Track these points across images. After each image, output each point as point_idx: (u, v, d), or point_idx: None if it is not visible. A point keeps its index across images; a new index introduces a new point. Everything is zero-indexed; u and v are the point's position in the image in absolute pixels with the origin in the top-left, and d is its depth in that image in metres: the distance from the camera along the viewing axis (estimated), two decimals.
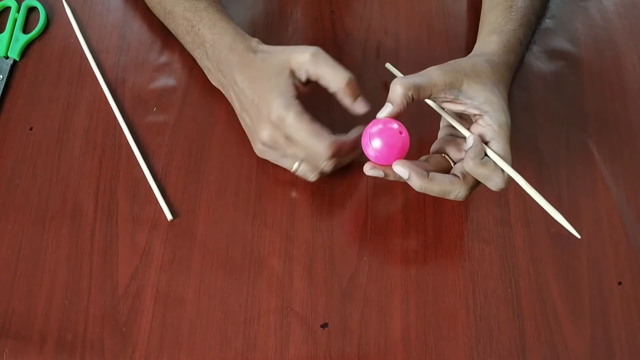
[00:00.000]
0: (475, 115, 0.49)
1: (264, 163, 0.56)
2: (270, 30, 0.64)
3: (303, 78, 0.51)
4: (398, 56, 0.63)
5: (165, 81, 0.61)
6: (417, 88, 0.47)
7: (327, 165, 0.51)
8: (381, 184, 0.56)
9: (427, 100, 0.51)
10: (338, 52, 0.62)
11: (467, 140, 0.48)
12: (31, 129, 0.58)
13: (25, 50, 0.62)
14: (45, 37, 0.63)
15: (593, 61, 0.63)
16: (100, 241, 0.53)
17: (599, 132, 0.59)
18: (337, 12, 0.65)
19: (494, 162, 0.47)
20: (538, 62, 0.62)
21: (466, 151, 0.47)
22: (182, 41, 0.59)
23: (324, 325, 0.50)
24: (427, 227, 0.54)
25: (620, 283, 0.52)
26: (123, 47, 0.62)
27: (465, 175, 0.48)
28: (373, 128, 0.48)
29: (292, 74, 0.51)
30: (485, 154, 0.47)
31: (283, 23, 0.64)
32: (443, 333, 0.50)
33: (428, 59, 0.62)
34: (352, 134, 0.51)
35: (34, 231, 0.53)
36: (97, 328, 0.50)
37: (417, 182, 0.47)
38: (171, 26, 0.59)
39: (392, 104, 0.48)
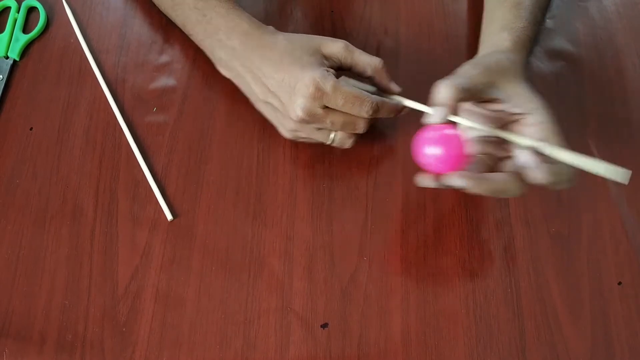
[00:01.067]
0: (516, 114, 0.47)
1: (264, 163, 0.56)
2: None
3: (334, 65, 0.53)
4: (398, 56, 0.63)
5: (165, 81, 0.61)
6: (463, 89, 0.45)
7: (362, 127, 0.52)
8: (381, 183, 0.56)
9: (454, 118, 0.47)
10: None
11: (519, 156, 0.46)
12: (31, 129, 0.58)
13: (25, 50, 0.62)
14: (45, 37, 0.63)
15: (593, 61, 0.63)
16: (100, 241, 0.53)
17: (599, 132, 0.59)
18: (337, 12, 0.65)
19: (561, 163, 0.44)
20: (538, 62, 0.62)
21: (523, 164, 0.46)
22: (190, 32, 0.58)
23: (324, 325, 0.50)
24: (427, 227, 0.54)
25: (620, 283, 0.52)
26: (123, 47, 0.62)
27: (520, 172, 0.46)
28: (430, 133, 0.45)
29: (323, 58, 0.52)
30: (550, 161, 0.45)
31: (283, 23, 0.64)
32: (443, 333, 0.50)
33: (428, 59, 0.62)
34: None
35: (34, 231, 0.53)
36: (97, 328, 0.50)
37: (476, 189, 0.45)
38: (179, 18, 0.58)
39: (445, 107, 0.45)
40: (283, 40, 0.53)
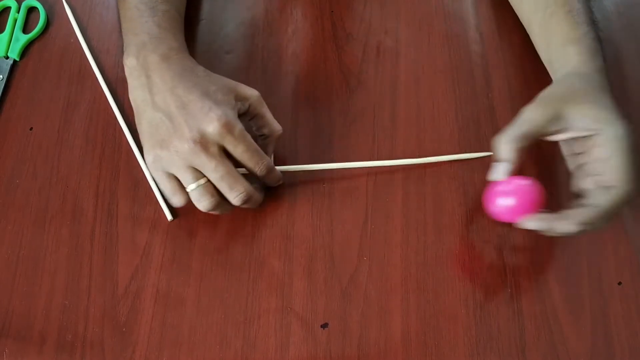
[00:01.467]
0: (589, 136, 0.47)
1: None
2: (270, 30, 0.64)
3: (241, 110, 0.51)
4: (398, 56, 0.63)
5: None
6: (524, 137, 0.47)
7: (240, 197, 0.49)
8: (381, 183, 0.56)
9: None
10: (338, 52, 0.63)
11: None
12: (31, 129, 0.58)
13: (25, 50, 0.62)
14: (45, 37, 0.63)
15: None
16: (100, 241, 0.53)
17: None
18: (337, 12, 0.65)
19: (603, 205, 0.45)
20: None
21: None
22: (121, 19, 0.55)
23: (324, 325, 0.50)
24: (427, 227, 0.54)
25: (620, 283, 0.52)
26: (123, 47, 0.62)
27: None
28: (501, 186, 0.49)
29: (235, 99, 0.50)
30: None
31: (283, 23, 0.64)
32: (443, 333, 0.50)
33: (428, 59, 0.62)
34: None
35: (34, 231, 0.53)
36: (97, 328, 0.50)
37: (561, 228, 0.46)
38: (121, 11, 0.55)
39: (508, 162, 0.47)
40: (203, 71, 0.51)
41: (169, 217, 0.53)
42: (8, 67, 0.61)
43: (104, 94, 0.59)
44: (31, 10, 0.65)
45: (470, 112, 0.59)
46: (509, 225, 0.54)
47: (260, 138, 0.53)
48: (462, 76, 0.61)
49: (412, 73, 0.62)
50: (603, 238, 0.54)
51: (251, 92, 0.51)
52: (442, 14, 0.65)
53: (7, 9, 0.64)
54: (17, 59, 0.62)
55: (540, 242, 0.54)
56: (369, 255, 0.53)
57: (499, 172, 0.48)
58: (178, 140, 0.48)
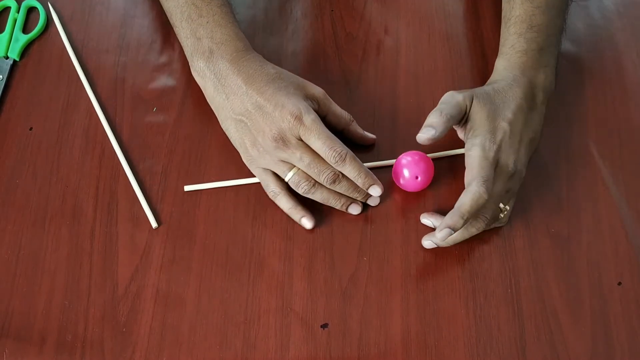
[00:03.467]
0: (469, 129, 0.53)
1: None
2: (270, 29, 0.64)
3: (312, 107, 0.52)
4: (398, 56, 0.63)
5: (165, 81, 0.61)
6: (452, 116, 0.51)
7: (327, 177, 0.51)
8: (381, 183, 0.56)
9: None
10: (338, 51, 0.62)
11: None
12: (31, 129, 0.58)
13: (25, 50, 0.62)
14: (45, 37, 0.63)
15: (593, 61, 0.63)
16: (100, 241, 0.53)
17: (599, 132, 0.59)
18: (337, 11, 0.65)
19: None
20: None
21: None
22: (176, 23, 0.56)
23: (324, 326, 0.50)
24: (427, 227, 0.54)
25: (620, 283, 0.52)
26: (123, 47, 0.62)
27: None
28: (404, 159, 0.53)
29: (306, 96, 0.52)
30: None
31: (283, 22, 0.64)
32: (443, 333, 0.50)
33: (428, 59, 0.62)
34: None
35: (34, 231, 0.53)
36: (97, 328, 0.50)
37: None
38: (170, 4, 0.56)
39: (435, 129, 0.51)
40: (272, 68, 0.53)
41: (154, 224, 0.53)
42: (8, 67, 0.61)
43: (104, 94, 0.59)
44: (31, 10, 0.65)
45: None
46: (509, 225, 0.54)
47: (342, 133, 0.55)
48: (462, 76, 0.61)
49: (412, 73, 0.62)
50: (603, 238, 0.54)
51: (318, 90, 0.54)
52: (442, 14, 0.65)
53: (7, 9, 0.64)
54: (17, 59, 0.62)
55: (540, 242, 0.54)
56: (369, 255, 0.53)
57: (424, 132, 0.51)
58: (262, 140, 0.51)
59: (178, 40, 0.59)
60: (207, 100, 0.56)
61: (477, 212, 0.49)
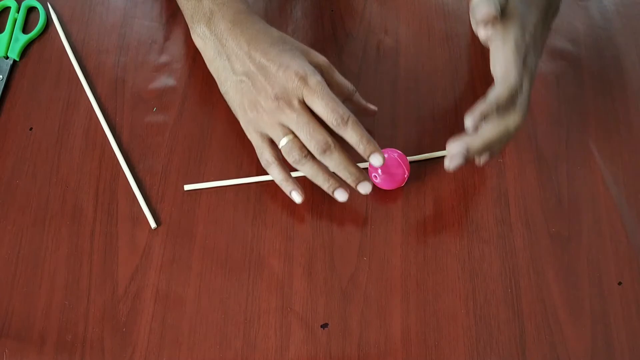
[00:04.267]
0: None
1: None
2: None
3: None
4: (398, 56, 0.63)
5: (165, 81, 0.61)
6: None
7: (318, 144, 0.49)
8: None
9: None
10: (338, 51, 0.62)
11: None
12: (31, 129, 0.58)
13: (25, 50, 0.62)
14: (45, 37, 0.63)
15: (593, 61, 0.63)
16: (100, 241, 0.53)
17: (599, 132, 0.59)
18: (337, 11, 0.65)
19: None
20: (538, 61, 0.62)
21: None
22: None
23: (324, 326, 0.50)
24: (427, 227, 0.54)
25: (620, 283, 0.52)
26: (123, 47, 0.62)
27: (500, 104, 0.48)
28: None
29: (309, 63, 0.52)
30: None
31: (283, 22, 0.64)
32: (443, 333, 0.50)
33: (428, 59, 0.62)
34: None
35: (34, 231, 0.53)
36: (97, 328, 0.50)
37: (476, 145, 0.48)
38: None
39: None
40: (275, 31, 0.53)
41: (153, 225, 0.53)
42: (8, 67, 0.61)
43: (104, 94, 0.59)
44: (31, 10, 0.65)
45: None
46: (509, 225, 0.54)
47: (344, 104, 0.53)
48: (462, 76, 0.61)
49: (412, 73, 0.62)
50: (603, 238, 0.54)
51: (322, 59, 0.53)
52: (442, 14, 0.65)
53: (7, 9, 0.64)
54: (17, 59, 0.62)
55: (540, 242, 0.54)
56: (369, 255, 0.53)
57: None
58: (263, 100, 0.50)
59: (178, 41, 0.59)
60: (207, 64, 0.55)
61: (510, 106, 0.48)
